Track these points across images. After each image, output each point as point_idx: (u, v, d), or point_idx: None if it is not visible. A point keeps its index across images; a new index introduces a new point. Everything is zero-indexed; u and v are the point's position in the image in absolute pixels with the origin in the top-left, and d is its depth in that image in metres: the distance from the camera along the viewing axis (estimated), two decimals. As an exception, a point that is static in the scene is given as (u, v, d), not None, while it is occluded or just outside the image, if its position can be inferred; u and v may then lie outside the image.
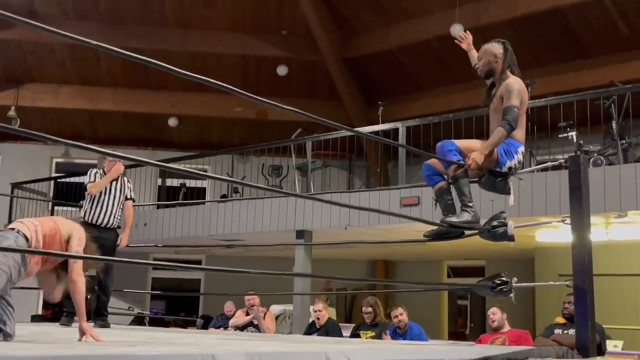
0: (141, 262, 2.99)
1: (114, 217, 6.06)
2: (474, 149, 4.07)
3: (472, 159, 3.99)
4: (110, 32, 13.01)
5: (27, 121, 13.85)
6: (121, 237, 6.14)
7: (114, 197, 6.07)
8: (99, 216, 5.98)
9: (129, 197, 6.22)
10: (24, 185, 13.05)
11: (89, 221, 5.92)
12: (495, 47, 4.24)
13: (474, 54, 4.45)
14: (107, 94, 14.24)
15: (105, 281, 5.96)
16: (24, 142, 14.22)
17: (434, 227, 4.22)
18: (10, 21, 2.26)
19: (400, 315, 7.01)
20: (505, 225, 4.05)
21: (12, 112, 13.61)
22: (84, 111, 14.48)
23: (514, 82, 4.14)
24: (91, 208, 5.99)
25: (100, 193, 6.00)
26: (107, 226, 6.01)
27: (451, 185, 4.15)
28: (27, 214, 12.63)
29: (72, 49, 13.66)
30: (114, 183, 6.10)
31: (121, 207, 6.16)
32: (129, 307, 12.66)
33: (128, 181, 6.35)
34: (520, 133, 4.19)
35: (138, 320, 12.05)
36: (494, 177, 4.15)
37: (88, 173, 6.12)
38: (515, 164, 4.14)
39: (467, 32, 4.55)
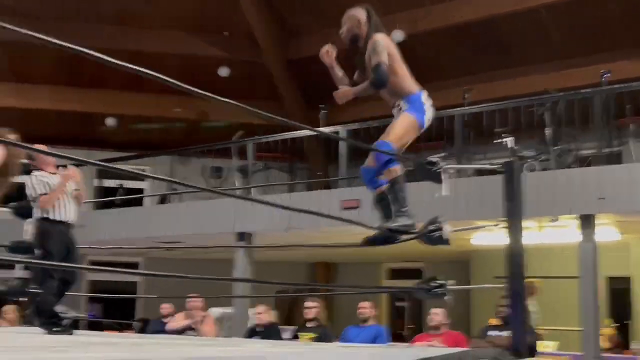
0: (79, 267, 2.93)
1: (73, 211, 5.81)
2: (395, 131, 4.12)
3: (341, 92, 4.17)
4: (45, 29, 12.68)
5: (-43, 118, 13.39)
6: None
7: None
8: (66, 214, 5.71)
9: (76, 187, 5.93)
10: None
11: (58, 219, 5.63)
12: (359, 12, 4.29)
13: (337, 72, 4.42)
14: (43, 92, 13.88)
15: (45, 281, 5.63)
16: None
17: (374, 232, 4.28)
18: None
19: (364, 308, 7.07)
20: (441, 229, 4.13)
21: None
22: (18, 109, 14.07)
23: (378, 39, 4.16)
24: (57, 207, 5.62)
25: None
26: (71, 222, 5.78)
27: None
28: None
29: (7, 46, 13.27)
30: (54, 177, 5.82)
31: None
32: (65, 310, 12.35)
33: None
34: (408, 82, 4.26)
35: (74, 324, 11.77)
36: (429, 166, 4.21)
37: (31, 180, 5.67)
38: (430, 114, 4.22)
39: (331, 45, 4.46)
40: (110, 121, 14.29)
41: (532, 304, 8.55)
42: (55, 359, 2.30)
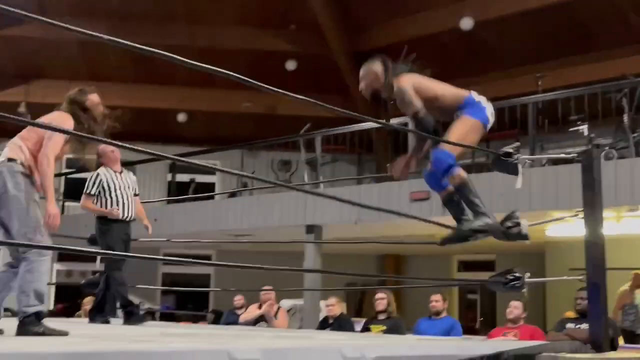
0: (154, 257, 3.00)
1: (132, 209, 5.97)
2: (453, 136, 4.03)
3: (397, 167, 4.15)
4: (118, 29, 13.04)
5: (37, 117, 13.86)
6: (147, 225, 6.08)
7: (127, 188, 5.97)
8: (124, 212, 5.87)
9: (136, 192, 6.10)
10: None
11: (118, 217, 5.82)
12: (375, 65, 4.16)
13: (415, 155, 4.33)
14: (116, 90, 14.26)
15: (111, 274, 5.77)
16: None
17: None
18: (20, 17, 2.27)
19: (436, 302, 7.04)
20: (519, 224, 4.02)
21: (22, 108, 13.65)
22: (93, 107, 14.51)
23: (401, 87, 4.04)
24: (112, 205, 5.82)
25: (113, 188, 5.88)
26: (130, 219, 5.95)
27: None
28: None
29: (81, 46, 13.69)
30: (120, 175, 5.99)
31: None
32: (140, 302, 12.70)
33: (133, 174, 6.26)
34: (453, 95, 4.18)
35: (149, 315, 12.09)
36: (505, 157, 4.11)
37: (92, 176, 5.90)
38: (490, 108, 4.11)
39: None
40: (181, 117, 14.58)
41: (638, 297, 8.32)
42: (138, 349, 2.35)
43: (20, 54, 14.00)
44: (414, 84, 4.07)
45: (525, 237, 4.04)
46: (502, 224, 4.05)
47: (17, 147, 3.62)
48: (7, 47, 13.92)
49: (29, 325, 3.26)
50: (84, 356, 2.14)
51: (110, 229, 5.78)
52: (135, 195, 6.05)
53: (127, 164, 13.22)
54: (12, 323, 3.45)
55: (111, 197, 5.83)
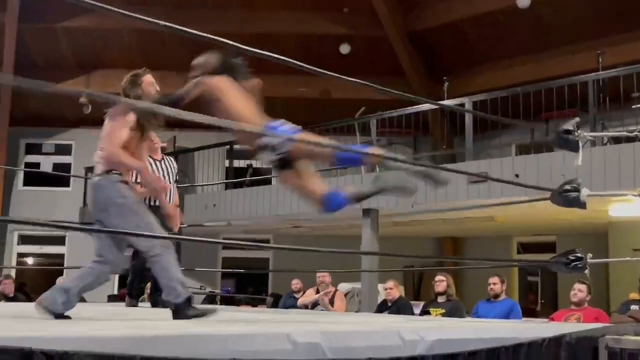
0: (215, 241, 3.05)
1: (173, 195, 6.06)
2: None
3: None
4: (173, 16, 13.21)
5: (98, 107, 14.19)
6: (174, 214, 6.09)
7: (169, 174, 6.09)
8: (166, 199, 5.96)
9: (177, 179, 6.21)
10: (97, 169, 13.45)
11: (151, 204, 5.90)
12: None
13: None
14: (174, 77, 14.47)
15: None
16: (95, 127, 14.61)
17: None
18: (82, 5, 2.33)
19: (494, 284, 6.99)
20: (578, 191, 3.92)
21: (83, 99, 13.98)
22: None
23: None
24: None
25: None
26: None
27: None
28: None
29: (139, 34, 13.94)
30: (160, 163, 6.11)
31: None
32: (201, 287, 12.95)
33: (175, 161, 6.37)
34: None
35: (210, 299, 12.31)
36: (566, 134, 4.01)
37: None
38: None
39: None
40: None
41: None
42: (204, 332, 2.41)
43: (80, 45, 14.34)
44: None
45: (582, 205, 3.93)
46: (560, 187, 3.97)
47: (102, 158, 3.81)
48: (67, 38, 14.28)
49: (185, 310, 3.50)
50: (157, 339, 2.20)
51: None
52: (176, 181, 6.18)
53: (186, 151, 13.47)
54: (80, 308, 3.60)
55: None
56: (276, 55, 2.87)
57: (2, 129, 14.48)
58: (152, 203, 5.88)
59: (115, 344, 2.06)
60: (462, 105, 9.32)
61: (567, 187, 3.96)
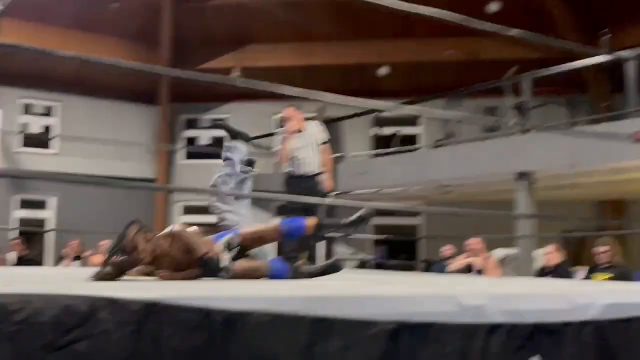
0: (370, 204, 3.07)
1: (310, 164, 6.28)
2: None
3: None
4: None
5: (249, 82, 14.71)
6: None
7: (306, 145, 6.32)
8: (304, 167, 6.26)
9: (324, 142, 6.43)
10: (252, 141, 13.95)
11: (298, 174, 6.29)
12: None
13: None
14: (320, 48, 14.66)
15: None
16: (249, 100, 15.13)
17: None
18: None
19: None
20: None
21: (236, 72, 14.51)
22: (300, 67, 15.07)
23: None
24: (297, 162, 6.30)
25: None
26: (307, 175, 6.27)
27: None
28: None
29: (286, 7, 14.22)
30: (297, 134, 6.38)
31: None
32: (353, 253, 13.17)
33: (318, 125, 6.54)
34: None
35: (362, 265, 12.51)
36: None
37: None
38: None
39: None
40: (382, 70, 14.67)
41: None
42: (373, 293, 2.45)
43: (230, 21, 14.86)
44: None
45: None
46: None
47: None
48: (218, 15, 14.86)
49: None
50: (317, 300, 2.26)
51: (293, 184, 6.24)
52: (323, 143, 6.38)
53: (334, 120, 13.67)
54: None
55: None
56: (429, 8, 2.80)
57: (164, 106, 15.41)
58: (297, 173, 6.19)
59: (287, 304, 2.13)
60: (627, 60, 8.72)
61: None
